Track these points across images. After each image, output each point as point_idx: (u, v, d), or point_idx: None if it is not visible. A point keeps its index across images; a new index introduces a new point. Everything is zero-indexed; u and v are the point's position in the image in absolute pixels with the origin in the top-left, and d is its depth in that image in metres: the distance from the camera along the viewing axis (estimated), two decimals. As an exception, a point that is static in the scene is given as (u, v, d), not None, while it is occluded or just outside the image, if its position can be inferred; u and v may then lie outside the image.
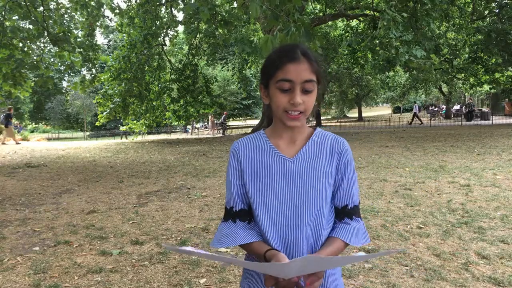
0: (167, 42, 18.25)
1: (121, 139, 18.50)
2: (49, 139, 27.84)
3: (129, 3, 16.02)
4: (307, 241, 1.05)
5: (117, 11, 12.83)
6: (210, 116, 28.21)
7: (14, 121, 27.36)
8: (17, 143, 14.88)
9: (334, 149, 1.10)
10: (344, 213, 1.10)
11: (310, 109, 1.04)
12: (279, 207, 1.05)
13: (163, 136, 26.11)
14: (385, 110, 54.07)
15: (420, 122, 24.07)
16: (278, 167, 1.07)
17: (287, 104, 1.01)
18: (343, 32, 20.22)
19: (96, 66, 13.64)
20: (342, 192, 1.10)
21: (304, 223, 1.04)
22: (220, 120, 24.74)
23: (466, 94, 31.71)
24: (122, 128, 18.38)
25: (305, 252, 1.05)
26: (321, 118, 32.50)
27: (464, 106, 27.79)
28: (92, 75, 14.08)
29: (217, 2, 15.51)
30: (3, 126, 14.88)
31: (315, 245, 1.06)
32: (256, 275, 1.10)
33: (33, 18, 9.83)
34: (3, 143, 14.76)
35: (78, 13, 12.53)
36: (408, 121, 25.61)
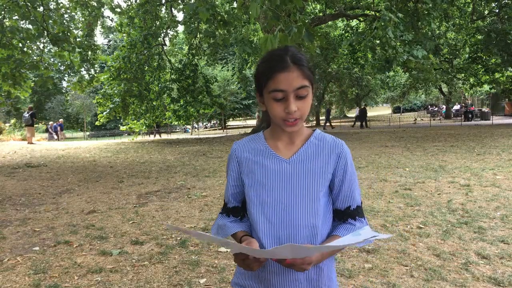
0: (167, 42, 18.25)
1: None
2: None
3: (129, 3, 16.02)
4: (302, 241, 1.05)
5: (118, 10, 12.81)
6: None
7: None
8: (31, 143, 14.88)
9: (332, 151, 1.10)
10: (347, 214, 1.10)
11: (306, 113, 1.05)
12: (274, 207, 1.07)
13: (163, 136, 26.11)
14: (385, 110, 54.09)
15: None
16: (274, 168, 1.09)
17: (283, 113, 1.02)
18: (343, 32, 20.23)
19: (95, 66, 13.63)
20: (343, 194, 1.10)
21: (299, 223, 1.05)
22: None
23: (466, 94, 31.71)
24: (123, 128, 18.38)
25: None
26: (321, 117, 32.39)
27: (463, 106, 27.84)
28: (91, 75, 14.06)
29: (216, 2, 15.51)
30: (4, 124, 14.86)
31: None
32: (249, 273, 1.12)
33: (32, 18, 9.83)
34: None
35: (79, 13, 12.52)
36: (413, 122, 25.62)
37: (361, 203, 1.14)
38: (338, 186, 1.10)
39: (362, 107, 24.55)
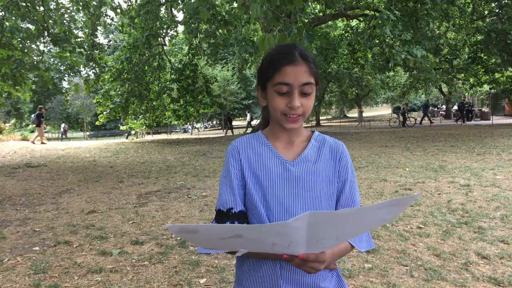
0: (167, 42, 18.26)
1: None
2: (49, 139, 27.80)
3: (130, 3, 16.01)
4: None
5: (118, 10, 12.80)
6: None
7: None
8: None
9: (333, 153, 1.08)
10: None
11: (309, 112, 1.02)
12: (279, 210, 1.02)
13: (163, 136, 26.11)
14: (385, 110, 54.04)
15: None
16: (278, 170, 1.04)
17: (285, 107, 0.99)
18: (343, 32, 20.22)
19: (101, 65, 13.62)
20: (345, 196, 1.07)
21: None
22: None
23: (466, 94, 31.71)
24: (123, 128, 18.40)
25: None
26: (320, 118, 32.36)
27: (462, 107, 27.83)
28: (96, 75, 14.08)
29: (217, 2, 15.49)
30: (4, 125, 14.86)
31: None
32: (249, 279, 1.05)
33: (31, 17, 9.83)
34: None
35: (81, 13, 12.53)
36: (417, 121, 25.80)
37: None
38: (340, 189, 1.07)
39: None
